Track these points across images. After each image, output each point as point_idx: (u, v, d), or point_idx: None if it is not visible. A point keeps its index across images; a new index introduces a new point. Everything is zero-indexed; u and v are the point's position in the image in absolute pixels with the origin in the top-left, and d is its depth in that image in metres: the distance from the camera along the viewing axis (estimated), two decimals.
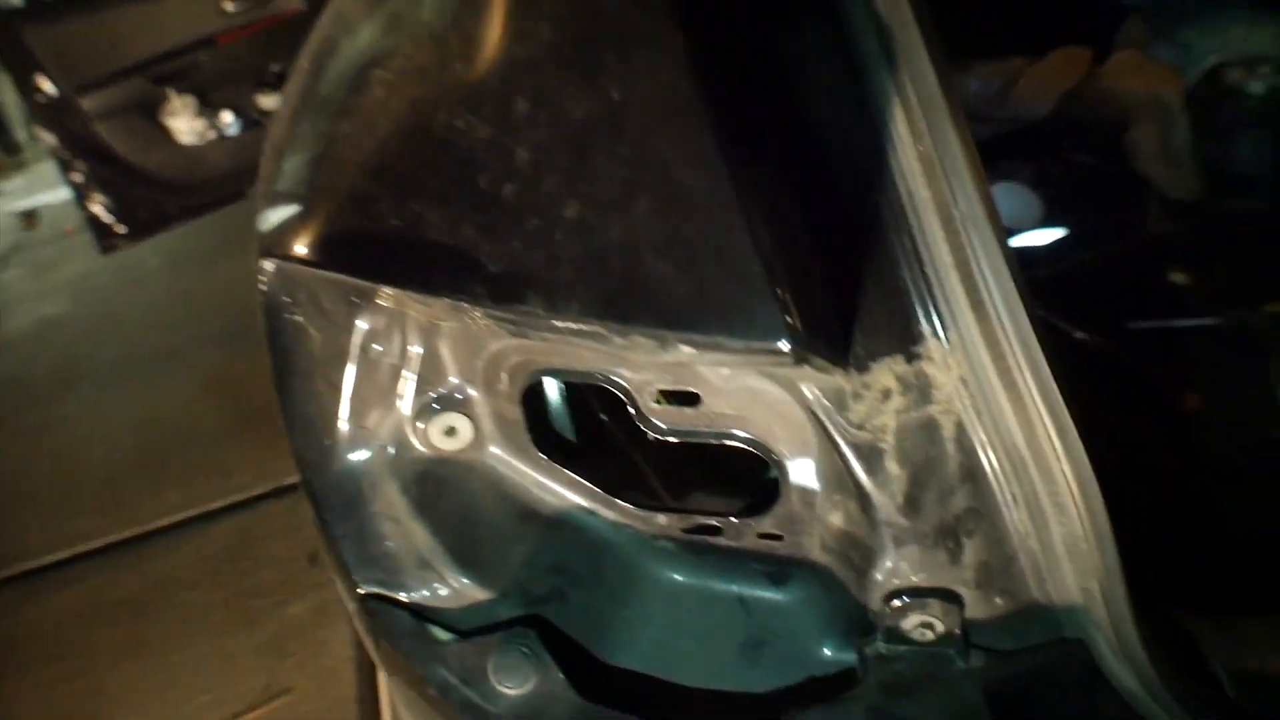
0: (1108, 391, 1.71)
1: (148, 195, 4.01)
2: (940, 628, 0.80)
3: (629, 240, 0.58)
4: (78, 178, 3.91)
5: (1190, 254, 1.92)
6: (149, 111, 3.95)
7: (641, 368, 0.76)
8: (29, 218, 6.32)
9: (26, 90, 3.68)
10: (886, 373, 0.72)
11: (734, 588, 0.88)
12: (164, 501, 3.25)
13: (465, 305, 0.67)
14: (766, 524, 0.84)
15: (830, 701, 0.78)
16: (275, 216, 0.89)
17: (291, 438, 0.87)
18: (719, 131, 0.56)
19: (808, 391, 0.72)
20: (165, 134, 4.00)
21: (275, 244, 0.84)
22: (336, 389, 0.84)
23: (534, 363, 0.80)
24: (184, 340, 4.21)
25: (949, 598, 0.79)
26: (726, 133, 0.57)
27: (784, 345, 0.54)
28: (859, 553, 0.80)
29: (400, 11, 0.90)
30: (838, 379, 0.72)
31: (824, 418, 0.73)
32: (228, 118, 3.92)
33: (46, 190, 6.37)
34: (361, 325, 0.82)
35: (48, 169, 5.36)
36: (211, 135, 3.94)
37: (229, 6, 3.87)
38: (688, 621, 0.88)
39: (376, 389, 0.84)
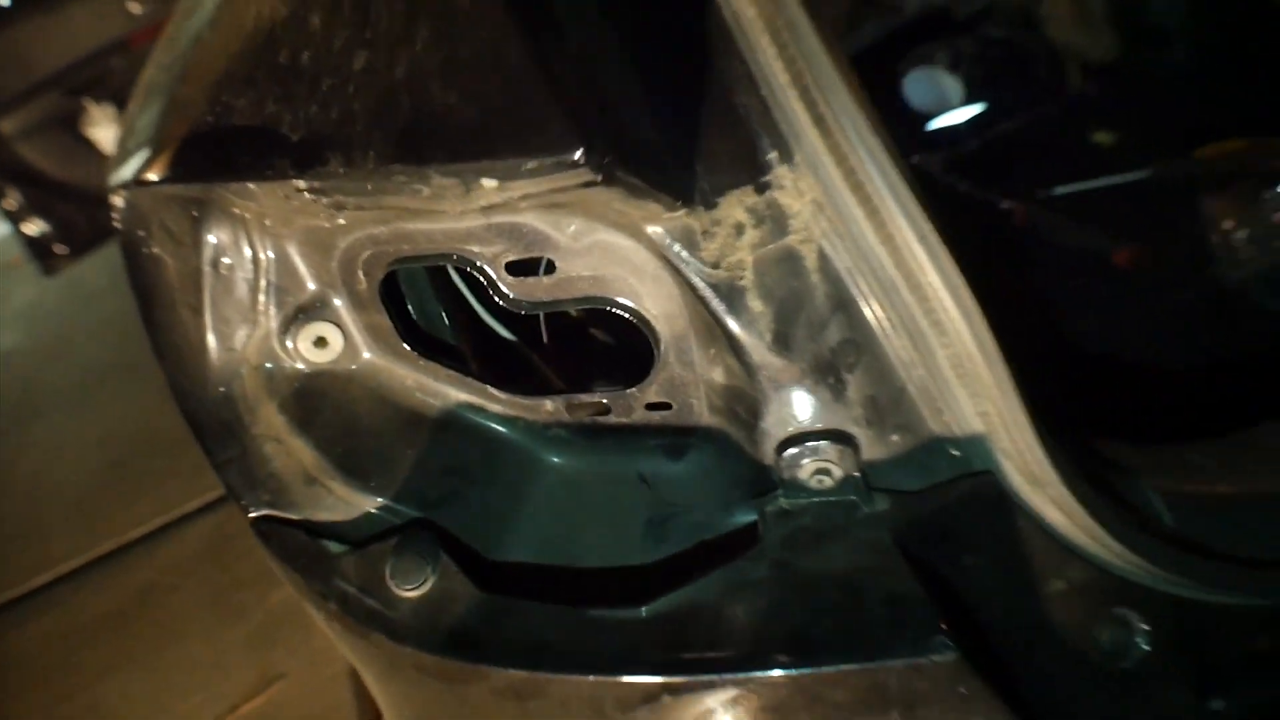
0: (1037, 258, 1.70)
1: (82, 211, 3.94)
2: (837, 472, 0.77)
3: (414, 75, 0.55)
4: (10, 204, 3.85)
5: (1113, 113, 1.90)
6: (70, 126, 3.88)
7: (489, 240, 0.73)
8: None
9: None
10: (736, 206, 0.69)
11: (634, 466, 0.86)
12: (137, 512, 3.24)
13: (276, 183, 0.64)
14: (651, 392, 0.82)
15: (732, 561, 0.76)
16: (128, 169, 0.86)
17: (164, 371, 0.85)
18: None
19: (654, 234, 0.69)
20: (90, 146, 3.92)
21: (121, 183, 0.81)
22: (199, 313, 0.82)
23: (385, 253, 0.77)
24: (138, 352, 4.13)
25: (841, 439, 0.77)
26: None
27: (578, 155, 0.51)
28: (745, 406, 0.78)
29: None
30: (684, 217, 0.69)
31: (677, 261, 0.70)
32: None
33: None
34: (209, 240, 0.79)
35: None
36: None
37: (134, 8, 3.77)
38: (591, 507, 0.86)
39: (237, 306, 0.81)
